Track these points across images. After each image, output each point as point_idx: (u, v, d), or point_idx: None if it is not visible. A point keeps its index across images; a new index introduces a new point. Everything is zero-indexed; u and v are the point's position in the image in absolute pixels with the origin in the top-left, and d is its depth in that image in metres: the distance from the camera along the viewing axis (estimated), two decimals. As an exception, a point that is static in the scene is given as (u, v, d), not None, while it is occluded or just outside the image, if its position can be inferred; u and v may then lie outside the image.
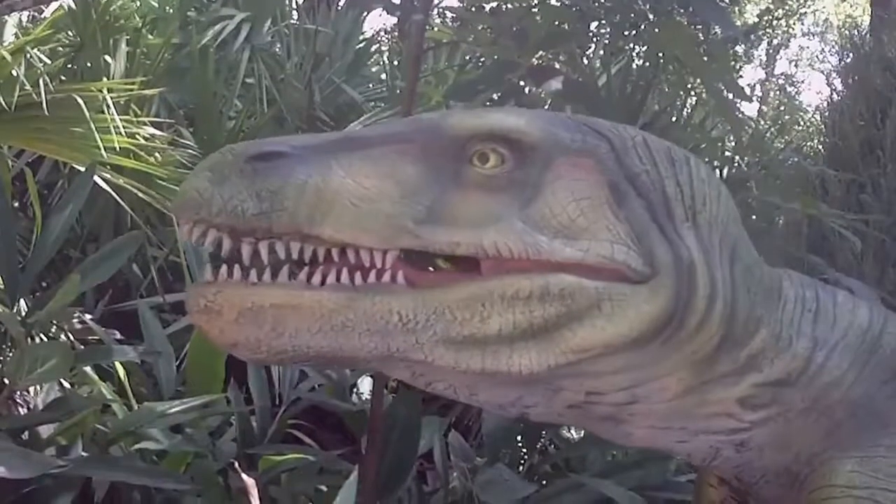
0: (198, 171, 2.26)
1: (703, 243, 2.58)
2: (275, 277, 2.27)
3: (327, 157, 2.31)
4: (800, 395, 2.84)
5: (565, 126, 2.53)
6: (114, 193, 5.39)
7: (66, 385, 4.49)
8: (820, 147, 9.67)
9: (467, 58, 7.98)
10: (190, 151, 6.11)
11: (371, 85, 9.19)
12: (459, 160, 2.40)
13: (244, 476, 3.80)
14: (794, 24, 27.05)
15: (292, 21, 8.81)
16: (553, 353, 2.37)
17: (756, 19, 23.79)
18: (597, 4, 5.37)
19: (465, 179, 2.39)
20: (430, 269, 2.38)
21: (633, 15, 5.20)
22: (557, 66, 5.62)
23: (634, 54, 8.33)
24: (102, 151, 4.97)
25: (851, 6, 26.72)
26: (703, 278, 2.52)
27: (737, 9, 21.74)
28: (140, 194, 5.35)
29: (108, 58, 6.53)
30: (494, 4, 4.92)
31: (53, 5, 6.57)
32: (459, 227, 2.32)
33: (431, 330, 2.30)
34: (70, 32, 6.72)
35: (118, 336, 4.95)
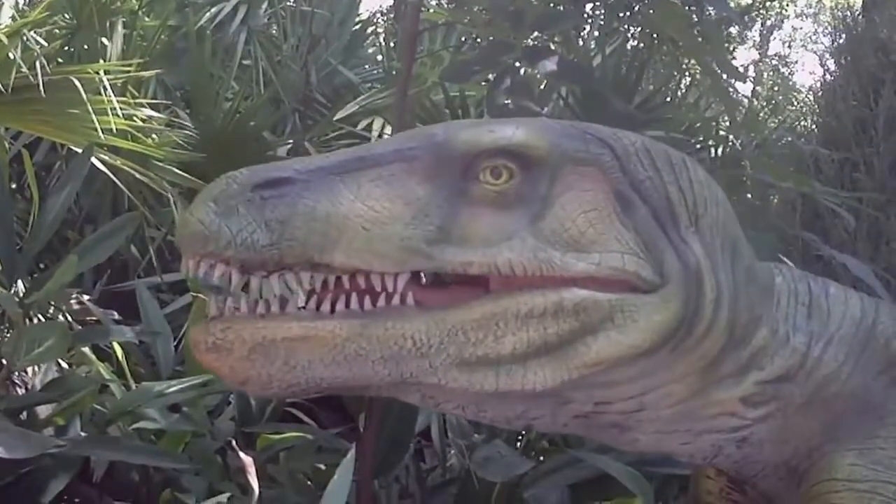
0: (201, 203, 2.21)
1: (707, 248, 2.59)
2: (283, 307, 2.24)
3: (334, 180, 2.27)
4: (799, 390, 2.87)
5: (569, 136, 2.52)
6: (111, 175, 5.40)
7: (65, 365, 4.49)
8: (813, 127, 9.68)
9: (463, 39, 7.99)
10: (187, 133, 6.12)
11: (367, 66, 9.18)
12: (468, 177, 2.38)
13: (242, 455, 3.80)
14: (787, 5, 27.01)
15: (289, 3, 8.80)
16: (567, 369, 2.38)
17: (750, 0, 23.76)
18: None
19: (474, 196, 2.37)
20: (438, 286, 2.36)
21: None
22: (552, 46, 5.62)
23: (629, 35, 8.34)
24: (100, 133, 4.96)
25: (844, -13, 26.71)
26: (709, 283, 2.54)
27: (731, -11, 21.71)
28: (137, 175, 5.35)
29: (104, 40, 6.52)
30: (490, -15, 4.92)
31: (50, -13, 6.57)
32: (471, 246, 2.31)
33: (445, 353, 2.29)
34: (66, 15, 6.71)
35: (116, 316, 4.96)
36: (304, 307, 2.26)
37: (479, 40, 7.10)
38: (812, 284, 3.07)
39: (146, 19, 7.39)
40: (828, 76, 9.31)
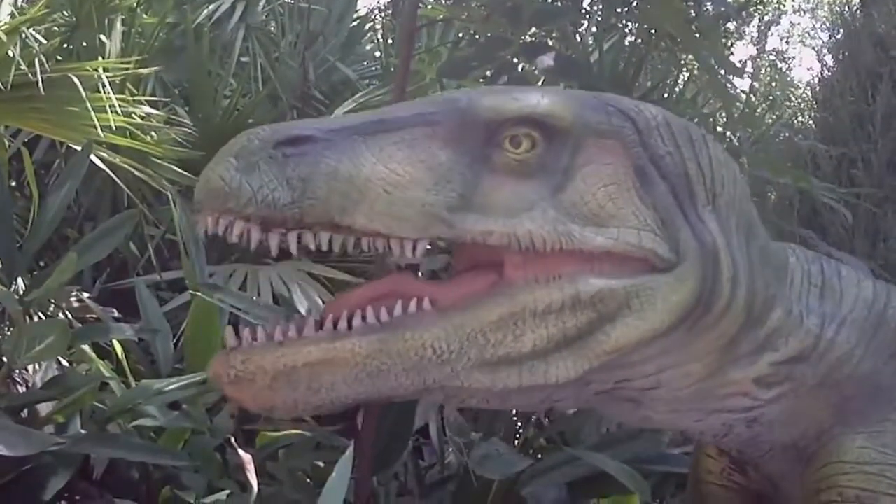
0: (222, 158, 2.17)
1: (724, 226, 2.59)
2: (300, 332, 2.22)
3: (357, 141, 2.25)
4: (811, 372, 2.87)
5: (592, 107, 2.51)
6: (110, 172, 5.40)
7: (65, 363, 4.52)
8: (811, 122, 9.71)
9: (460, 35, 7.98)
10: (186, 130, 6.12)
11: (365, 63, 9.16)
12: (491, 144, 2.37)
13: (241, 452, 3.83)
14: (785, 0, 26.99)
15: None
16: (588, 358, 2.39)
17: (748, -4, 23.77)
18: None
19: (496, 164, 2.36)
20: (451, 277, 2.39)
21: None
22: (550, 42, 5.63)
23: (627, 31, 8.34)
24: (99, 130, 4.97)
25: (842, -18, 26.68)
26: (726, 262, 2.53)
27: (729, -15, 21.68)
28: (136, 173, 5.36)
29: (103, 37, 6.51)
30: (487, -19, 4.93)
31: (49, -15, 6.57)
32: (492, 214, 2.29)
33: (466, 357, 2.28)
34: (65, 12, 6.70)
35: (116, 314, 4.98)
36: (321, 328, 2.24)
37: (476, 36, 7.09)
38: (825, 266, 3.07)
39: (144, 16, 7.39)
40: (825, 72, 9.33)
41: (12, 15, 5.80)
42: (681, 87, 8.42)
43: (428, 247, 2.29)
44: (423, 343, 2.24)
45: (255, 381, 2.16)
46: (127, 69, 5.80)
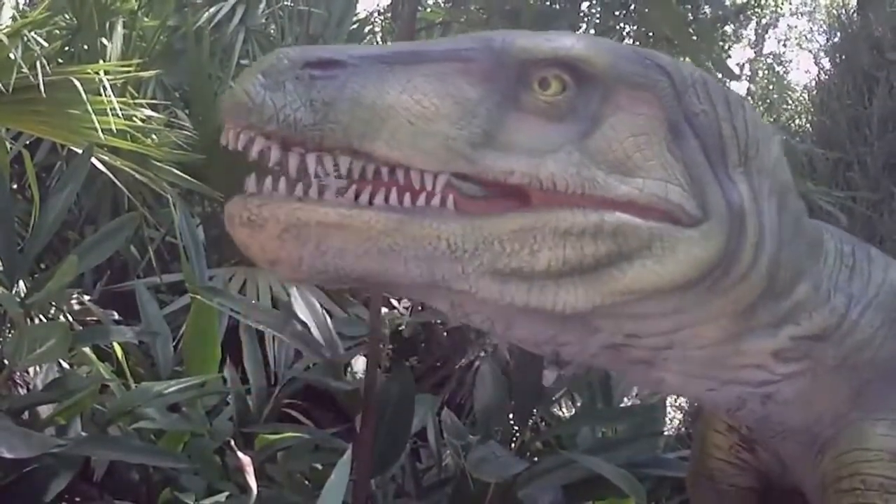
0: (249, 74, 2.15)
1: (755, 190, 2.55)
2: (322, 193, 2.18)
3: (386, 70, 2.22)
4: (831, 352, 2.83)
5: (629, 58, 2.46)
6: (111, 175, 5.44)
7: (65, 365, 4.54)
8: (808, 125, 9.71)
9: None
10: (186, 133, 6.15)
11: (365, 65, 9.19)
12: (521, 84, 2.33)
13: (240, 455, 3.85)
14: (782, 3, 26.93)
15: (286, 2, 8.82)
16: (600, 293, 2.34)
17: (745, -1, 23.79)
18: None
19: (525, 105, 2.32)
20: (480, 197, 2.30)
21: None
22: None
23: (625, 33, 8.37)
24: (99, 133, 4.99)
25: (839, -14, 26.71)
26: (752, 225, 2.50)
27: (727, -12, 21.71)
28: (137, 176, 5.39)
29: (104, 40, 6.54)
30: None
31: (50, -12, 6.59)
32: (515, 154, 2.26)
33: (479, 260, 2.24)
34: (67, 15, 6.74)
35: (116, 316, 5.01)
36: (343, 196, 2.20)
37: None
38: (856, 248, 3.03)
39: (145, 19, 7.40)
40: (822, 75, 9.33)
41: (14, 18, 5.83)
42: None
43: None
44: (440, 234, 2.21)
45: (265, 228, 2.14)
46: (128, 72, 5.83)
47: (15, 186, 6.46)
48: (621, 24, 8.17)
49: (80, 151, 5.03)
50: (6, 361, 4.01)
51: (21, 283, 4.50)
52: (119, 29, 6.65)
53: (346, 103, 2.13)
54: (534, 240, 2.27)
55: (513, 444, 5.03)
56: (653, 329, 2.55)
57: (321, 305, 5.23)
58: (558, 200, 2.29)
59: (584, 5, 7.94)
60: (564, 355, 2.68)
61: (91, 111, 4.96)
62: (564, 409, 6.32)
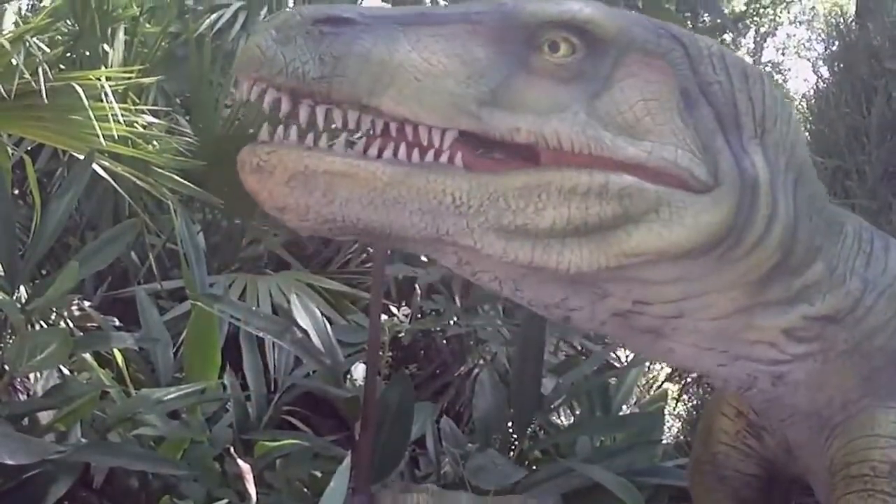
0: (263, 29, 2.21)
1: (770, 163, 2.56)
2: (331, 146, 2.23)
3: (396, 29, 2.26)
4: (844, 335, 2.84)
5: (642, 25, 2.49)
6: (112, 181, 5.44)
7: (66, 371, 4.54)
8: (806, 134, 9.70)
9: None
10: (187, 140, 6.15)
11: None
12: (530, 46, 2.35)
13: (240, 461, 3.85)
14: (781, 12, 26.85)
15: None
16: (605, 254, 2.35)
17: (744, 7, 23.70)
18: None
19: (533, 66, 2.34)
20: (489, 157, 2.33)
21: (622, 2, 5.25)
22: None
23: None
24: (101, 139, 5.00)
25: (838, -5, 26.70)
26: (765, 197, 2.50)
27: (725, -4, 21.71)
28: (138, 182, 5.40)
29: (106, 46, 6.55)
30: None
31: (52, -6, 6.61)
32: (522, 112, 2.29)
33: (483, 216, 2.27)
34: (69, 21, 6.73)
35: (116, 323, 5.02)
36: (351, 147, 2.26)
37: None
38: (875, 236, 3.03)
39: (147, 26, 7.41)
40: (821, 83, 9.31)
41: (16, 23, 5.85)
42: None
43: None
44: (445, 189, 2.24)
45: (274, 175, 2.19)
46: (129, 78, 5.84)
47: (16, 192, 6.47)
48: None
49: (81, 157, 5.05)
50: (7, 367, 4.01)
51: (22, 288, 4.51)
52: (121, 35, 6.66)
53: (355, 58, 2.18)
54: (539, 198, 2.29)
55: (511, 452, 5.05)
56: (661, 296, 2.56)
57: (321, 312, 5.25)
58: (567, 161, 2.31)
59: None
60: (574, 321, 2.67)
61: (93, 117, 4.97)
62: (563, 418, 6.33)
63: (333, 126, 2.24)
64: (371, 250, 6.12)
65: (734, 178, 2.45)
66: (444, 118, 2.23)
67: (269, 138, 2.23)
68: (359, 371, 5.30)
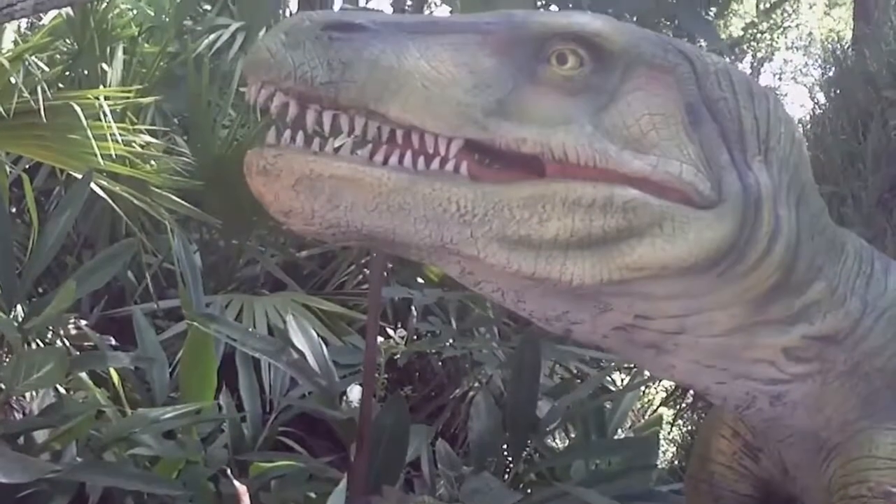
0: (273, 33, 2.22)
1: (773, 180, 2.55)
2: (337, 151, 2.23)
3: (405, 37, 2.27)
4: (843, 356, 2.83)
5: (650, 40, 2.50)
6: (110, 200, 5.45)
7: (62, 390, 4.53)
8: (803, 157, 9.71)
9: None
10: (184, 159, 6.17)
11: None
12: (538, 58, 2.36)
13: (235, 482, 3.84)
14: (778, 37, 26.92)
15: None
16: (607, 268, 2.35)
17: (741, 33, 23.79)
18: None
19: (541, 78, 2.35)
20: (495, 167, 2.34)
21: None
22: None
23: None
24: (99, 159, 5.02)
25: (834, 20, 26.69)
26: (768, 214, 2.50)
27: (722, 22, 21.74)
28: (135, 201, 5.41)
29: (104, 66, 6.57)
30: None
31: (52, 13, 6.60)
32: (529, 123, 2.29)
33: (488, 225, 2.27)
34: (68, 40, 6.77)
35: (113, 342, 5.01)
36: (358, 153, 2.26)
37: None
38: (876, 257, 3.03)
39: (146, 46, 7.44)
40: (817, 109, 9.32)
41: (15, 42, 5.86)
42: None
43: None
44: (450, 197, 2.24)
45: (280, 178, 2.19)
46: (127, 98, 5.86)
47: (14, 210, 6.47)
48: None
49: (79, 176, 5.05)
50: (3, 386, 4.01)
51: (19, 307, 4.51)
52: (119, 55, 6.69)
53: (364, 64, 2.18)
54: (543, 209, 2.29)
55: (506, 476, 5.04)
56: (663, 311, 2.56)
57: (317, 333, 5.25)
58: (572, 173, 2.32)
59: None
60: (576, 334, 2.67)
61: (91, 136, 4.99)
62: (558, 441, 6.33)
63: (339, 134, 2.24)
64: (367, 272, 6.14)
65: (738, 195, 2.45)
66: (450, 126, 2.24)
67: (276, 141, 2.24)
68: (354, 392, 5.29)
